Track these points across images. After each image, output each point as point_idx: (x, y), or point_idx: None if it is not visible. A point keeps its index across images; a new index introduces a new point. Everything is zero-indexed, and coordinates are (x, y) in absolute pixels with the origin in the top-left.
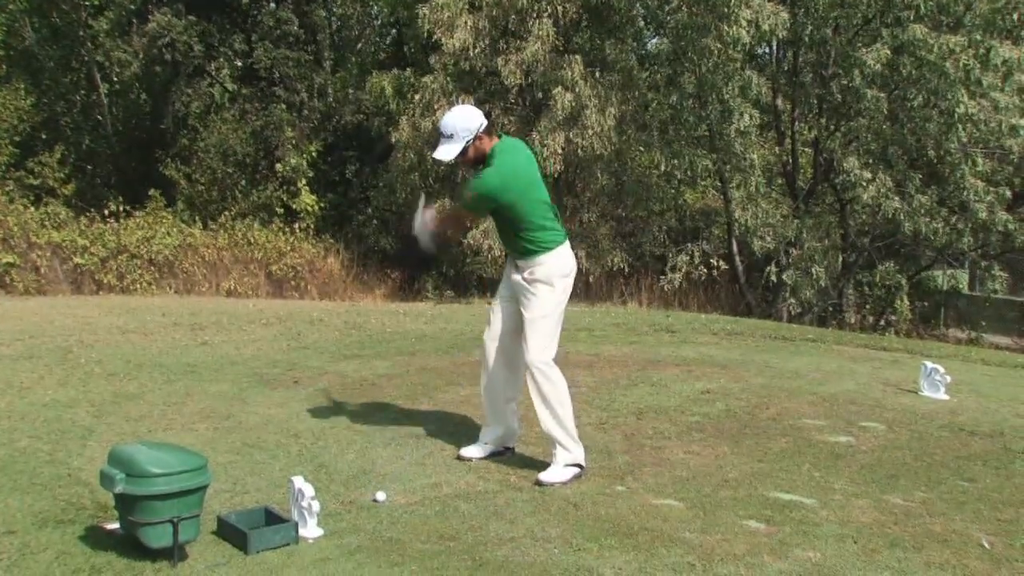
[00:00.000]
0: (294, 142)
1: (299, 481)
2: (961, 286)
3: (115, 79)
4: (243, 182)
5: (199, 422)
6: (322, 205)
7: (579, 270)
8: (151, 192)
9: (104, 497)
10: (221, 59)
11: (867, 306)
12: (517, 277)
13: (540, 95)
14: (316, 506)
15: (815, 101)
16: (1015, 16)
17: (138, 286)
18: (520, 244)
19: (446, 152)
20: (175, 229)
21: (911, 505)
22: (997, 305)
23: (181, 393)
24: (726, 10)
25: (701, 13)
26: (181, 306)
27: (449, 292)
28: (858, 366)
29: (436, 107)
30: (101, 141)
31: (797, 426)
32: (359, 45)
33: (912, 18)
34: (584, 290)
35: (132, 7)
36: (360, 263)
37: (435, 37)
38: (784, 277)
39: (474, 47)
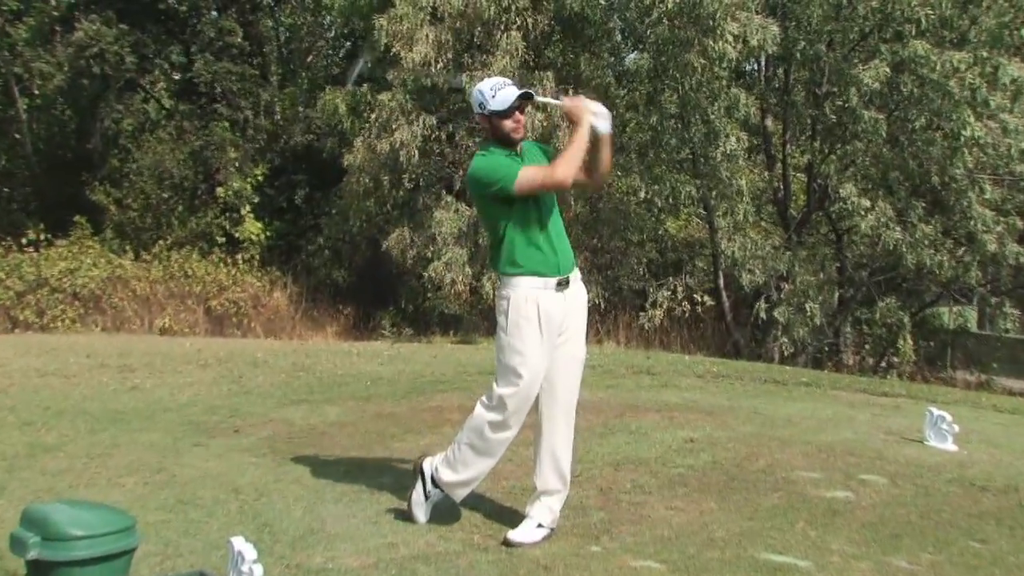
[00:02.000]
0: (237, 164)
1: (239, 542)
2: (969, 324)
3: (36, 93)
4: (180, 208)
5: (127, 476)
6: (268, 234)
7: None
8: (76, 218)
9: (14, 564)
10: (156, 72)
11: (867, 346)
12: (566, 305)
13: None
14: (258, 570)
15: (808, 122)
16: None
17: (60, 323)
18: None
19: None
20: (103, 260)
21: (917, 569)
22: (1009, 345)
23: (107, 444)
24: (711, 23)
25: (684, 27)
26: (109, 346)
27: (408, 330)
28: (857, 413)
29: (394, 127)
30: (19, 161)
31: (790, 479)
32: (310, 58)
33: (913, 33)
34: None
35: (56, 13)
36: (310, 298)
37: (393, 51)
38: (775, 314)
39: (436, 62)
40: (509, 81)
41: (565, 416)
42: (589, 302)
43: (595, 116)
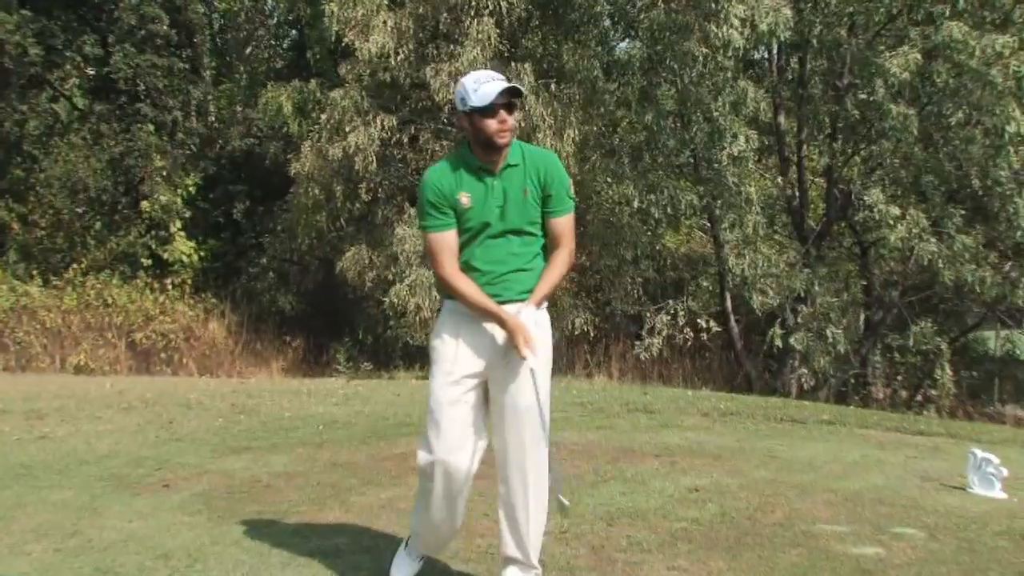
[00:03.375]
0: (165, 173)
1: None
2: (1018, 351)
3: None
4: (97, 225)
5: (34, 542)
6: (202, 254)
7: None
8: None
9: None
10: (67, 66)
11: (899, 377)
12: (495, 341)
13: None
14: None
15: (827, 119)
16: None
17: None
18: (533, 267)
19: None
20: (4, 287)
21: None
22: None
23: (10, 504)
24: (713, 6)
25: (682, 10)
26: (12, 388)
27: (366, 364)
28: (889, 455)
29: (348, 129)
30: None
31: (812, 533)
32: (249, 50)
33: (948, 14)
34: None
35: None
36: (252, 328)
37: (346, 41)
38: (792, 341)
39: (396, 53)
40: (498, 75)
41: (520, 476)
42: (576, 330)
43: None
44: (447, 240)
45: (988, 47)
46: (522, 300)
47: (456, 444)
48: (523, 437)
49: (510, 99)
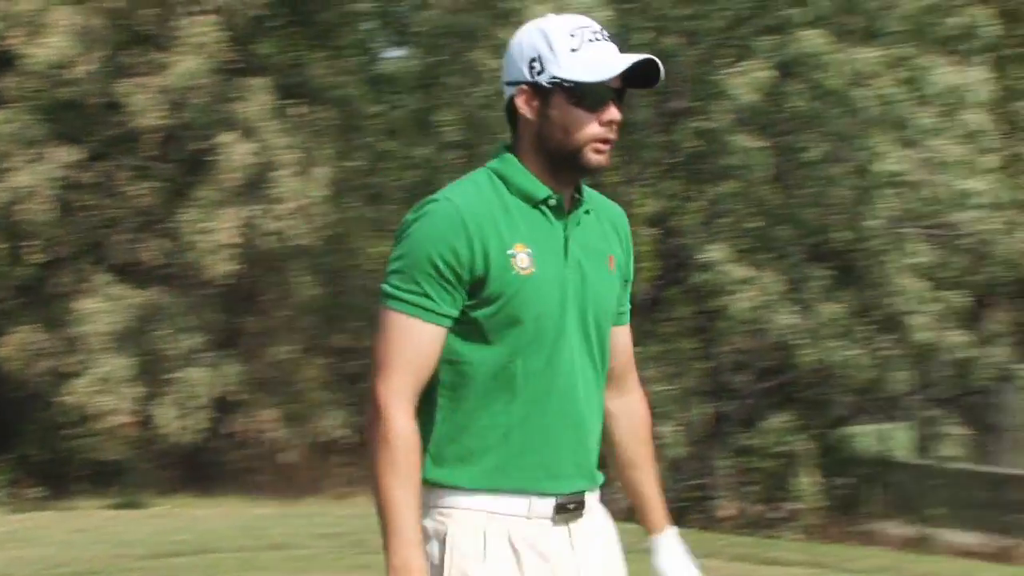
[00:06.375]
0: None
1: None
2: (899, 451)
3: None
4: None
5: None
6: None
7: (276, 448)
8: None
9: None
10: None
11: (748, 487)
12: (578, 554)
13: (198, 145)
14: None
15: (654, 154)
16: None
17: None
18: (593, 442)
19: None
20: None
21: None
22: (955, 480)
23: None
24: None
25: (469, 9)
26: None
27: (37, 490)
28: None
29: (10, 166)
30: None
31: None
32: None
33: (803, 21)
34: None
35: None
36: None
37: (10, 45)
38: None
39: (81, 63)
40: (604, 32)
41: None
42: (321, 437)
43: None
44: (425, 340)
45: (852, 63)
46: (589, 488)
47: None
48: None
49: (623, 84)
